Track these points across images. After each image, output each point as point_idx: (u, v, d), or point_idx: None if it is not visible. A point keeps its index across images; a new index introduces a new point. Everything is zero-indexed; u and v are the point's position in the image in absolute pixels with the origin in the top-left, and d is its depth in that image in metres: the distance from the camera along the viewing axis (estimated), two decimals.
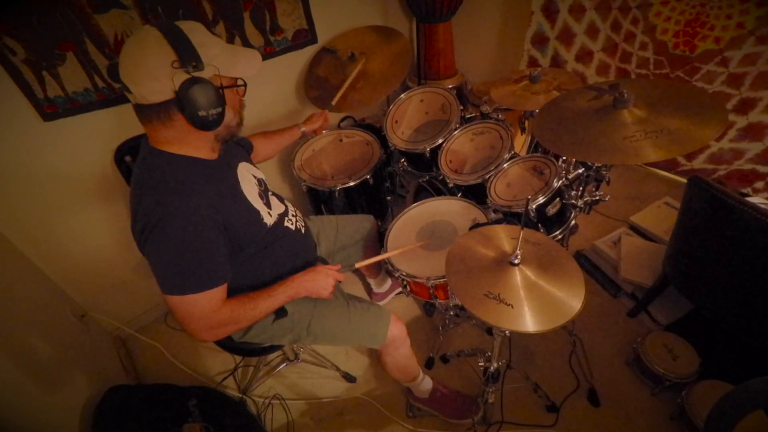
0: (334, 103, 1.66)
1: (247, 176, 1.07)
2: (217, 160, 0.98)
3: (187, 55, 0.79)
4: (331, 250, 1.47)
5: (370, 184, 1.72)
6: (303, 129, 1.53)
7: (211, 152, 0.96)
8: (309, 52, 1.93)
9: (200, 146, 0.93)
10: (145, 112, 0.85)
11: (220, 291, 0.92)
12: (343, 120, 2.12)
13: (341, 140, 1.91)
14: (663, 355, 1.43)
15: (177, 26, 0.81)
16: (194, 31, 0.82)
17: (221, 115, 0.87)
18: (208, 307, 0.91)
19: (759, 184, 1.75)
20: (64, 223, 1.57)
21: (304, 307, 1.20)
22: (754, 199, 1.44)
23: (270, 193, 1.16)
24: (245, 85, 0.94)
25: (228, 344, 1.27)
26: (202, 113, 0.83)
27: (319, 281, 1.10)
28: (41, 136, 1.38)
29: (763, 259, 1.10)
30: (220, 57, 0.85)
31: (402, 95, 1.85)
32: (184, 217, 0.84)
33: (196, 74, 0.81)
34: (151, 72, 0.79)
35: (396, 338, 1.25)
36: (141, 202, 0.86)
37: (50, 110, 1.36)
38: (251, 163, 1.18)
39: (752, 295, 1.19)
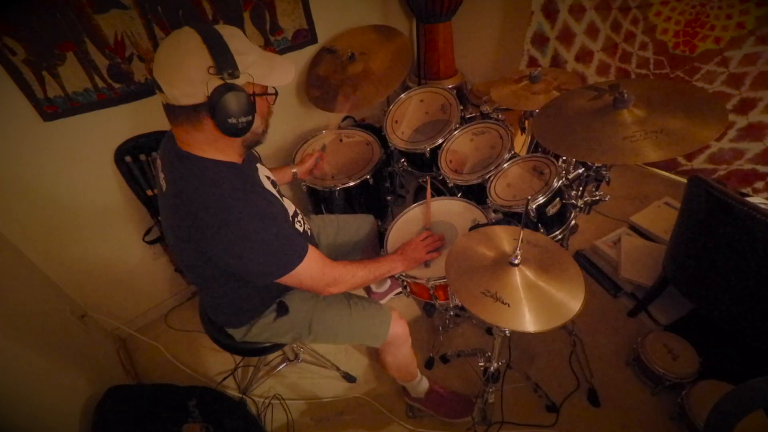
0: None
1: (264, 178, 1.09)
2: (243, 163, 0.99)
3: (223, 62, 0.78)
4: (331, 250, 1.47)
5: (370, 184, 1.72)
6: (294, 171, 1.55)
7: (238, 157, 0.97)
8: (309, 51, 1.93)
9: (229, 151, 0.93)
10: (174, 112, 0.85)
11: (313, 252, 1.02)
12: (343, 120, 2.12)
13: (341, 140, 1.91)
14: (663, 355, 1.43)
15: (217, 31, 0.80)
16: (233, 37, 0.81)
17: (250, 123, 0.86)
18: (316, 268, 1.02)
19: (759, 184, 1.75)
20: (63, 223, 1.57)
21: (305, 306, 1.21)
22: (754, 199, 1.44)
23: (282, 195, 1.16)
24: (276, 93, 0.94)
25: (228, 344, 1.26)
26: (232, 120, 0.82)
27: (408, 253, 1.23)
28: (41, 137, 1.38)
29: (763, 259, 1.10)
30: (255, 65, 0.84)
31: (402, 95, 1.85)
32: (254, 213, 0.89)
33: (231, 81, 0.80)
34: (187, 76, 0.78)
35: (398, 336, 1.26)
36: (200, 211, 0.85)
37: (50, 110, 1.36)
38: (263, 164, 1.19)
39: (752, 295, 1.19)
